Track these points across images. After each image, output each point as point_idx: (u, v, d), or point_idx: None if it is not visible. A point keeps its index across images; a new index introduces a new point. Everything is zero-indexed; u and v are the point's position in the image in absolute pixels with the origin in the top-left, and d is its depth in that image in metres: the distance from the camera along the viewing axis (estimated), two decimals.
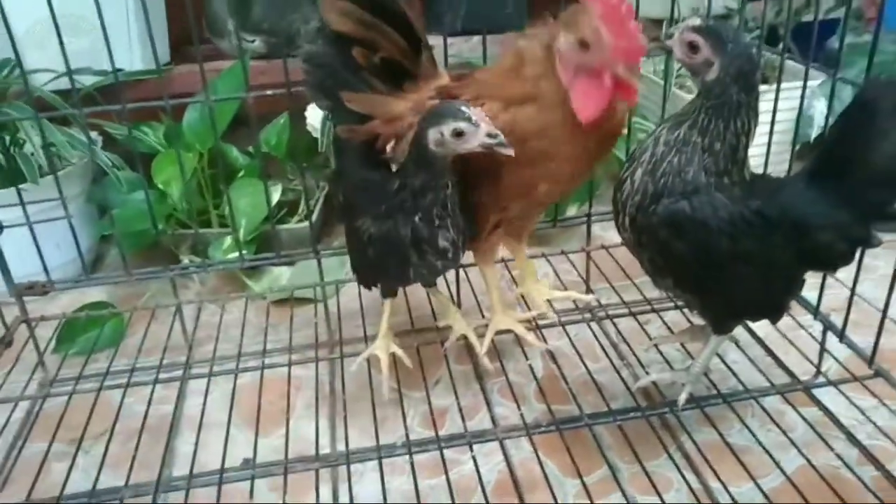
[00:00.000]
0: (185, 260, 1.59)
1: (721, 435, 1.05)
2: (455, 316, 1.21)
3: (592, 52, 0.89)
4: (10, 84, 1.51)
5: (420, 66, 1.03)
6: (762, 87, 0.91)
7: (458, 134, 0.89)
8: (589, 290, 1.42)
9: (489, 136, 0.89)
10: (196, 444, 1.09)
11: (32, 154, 1.46)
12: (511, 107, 0.97)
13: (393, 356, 1.17)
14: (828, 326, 1.17)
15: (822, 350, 1.18)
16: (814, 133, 1.64)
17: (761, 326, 1.23)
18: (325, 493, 1.03)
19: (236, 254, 1.42)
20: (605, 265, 1.42)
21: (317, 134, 1.67)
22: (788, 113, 1.25)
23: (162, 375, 1.25)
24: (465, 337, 1.20)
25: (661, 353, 1.24)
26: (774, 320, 1.04)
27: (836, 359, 1.18)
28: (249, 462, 1.08)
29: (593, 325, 1.34)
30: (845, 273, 1.01)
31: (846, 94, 1.14)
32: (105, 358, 1.32)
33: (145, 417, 1.15)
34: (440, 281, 1.24)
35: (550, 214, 1.41)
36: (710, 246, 0.89)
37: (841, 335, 1.14)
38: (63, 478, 1.05)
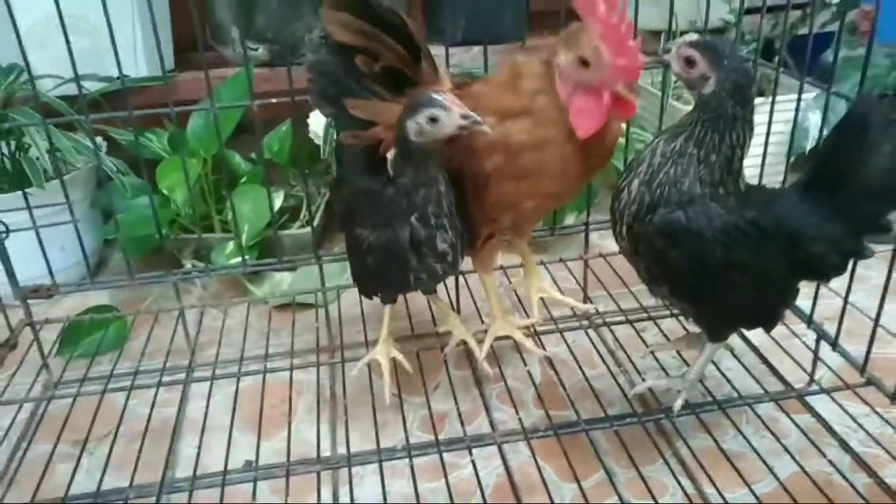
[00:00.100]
0: (188, 265, 1.60)
1: (716, 441, 1.07)
2: (455, 322, 1.23)
3: (592, 69, 0.90)
4: (16, 89, 1.53)
5: (421, 73, 1.05)
6: (758, 100, 0.93)
7: (434, 120, 0.92)
8: (587, 298, 1.43)
9: (463, 117, 0.91)
10: (199, 446, 1.11)
11: (38, 158, 1.48)
12: (506, 120, 0.98)
13: (393, 361, 1.18)
14: (821, 335, 1.19)
15: (816, 358, 1.20)
16: (809, 145, 1.67)
17: (756, 335, 1.25)
18: (326, 495, 1.04)
19: (239, 259, 1.44)
20: (602, 273, 1.44)
21: (319, 141, 1.69)
22: (784, 125, 1.28)
23: (165, 379, 1.27)
24: (464, 343, 1.22)
25: (657, 360, 1.26)
26: (769, 329, 1.06)
27: (829, 367, 1.19)
28: (251, 464, 1.10)
29: (591, 332, 1.35)
30: (839, 283, 1.03)
31: (841, 107, 1.16)
32: (108, 361, 1.34)
33: (149, 420, 1.16)
34: (440, 287, 1.26)
35: (549, 223, 1.43)
36: (705, 255, 0.91)
37: (834, 344, 1.16)
38: (67, 479, 1.06)
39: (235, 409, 1.19)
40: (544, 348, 1.27)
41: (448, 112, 0.91)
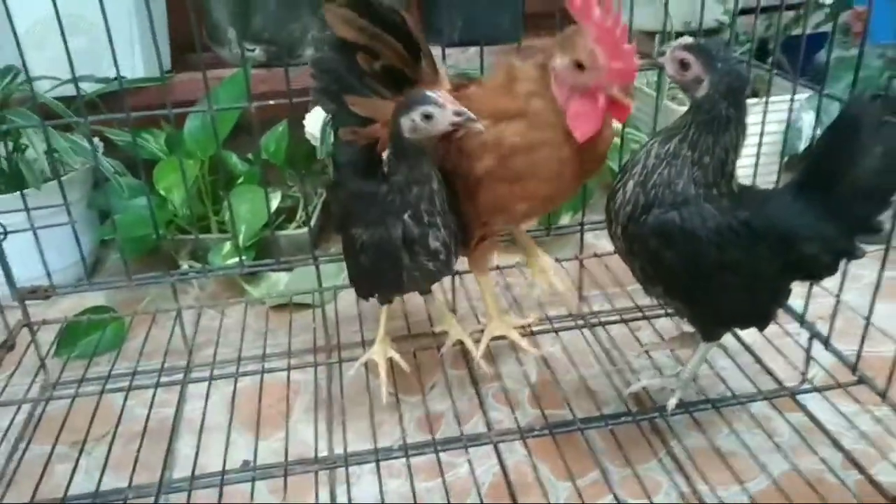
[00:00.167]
0: (185, 265, 1.61)
1: (709, 439, 1.08)
2: (451, 322, 1.24)
3: (588, 73, 0.91)
4: (12, 91, 1.53)
5: (420, 72, 1.06)
6: (752, 100, 0.94)
7: (427, 117, 0.92)
8: (582, 298, 1.44)
9: (457, 114, 0.92)
10: (197, 446, 1.11)
11: (35, 160, 1.48)
12: (500, 122, 0.98)
13: (390, 361, 1.19)
14: (814, 334, 1.21)
15: (808, 357, 1.21)
16: (802, 145, 1.68)
17: (749, 334, 1.26)
18: (324, 495, 1.05)
19: (236, 259, 1.45)
20: (597, 273, 1.45)
21: (315, 141, 1.70)
22: (778, 125, 1.29)
23: (163, 379, 1.27)
24: (460, 342, 1.23)
25: (651, 360, 1.27)
26: (762, 328, 1.07)
27: (821, 366, 1.20)
28: (249, 464, 1.11)
29: (586, 331, 1.36)
30: (831, 282, 1.04)
31: (834, 108, 1.17)
32: (105, 362, 1.34)
33: (147, 420, 1.17)
34: (436, 287, 1.26)
35: (544, 223, 1.44)
36: (699, 255, 0.92)
37: (826, 343, 1.17)
38: (65, 479, 1.07)
39: (233, 409, 1.20)
40: (540, 348, 1.28)
41: (442, 109, 0.92)
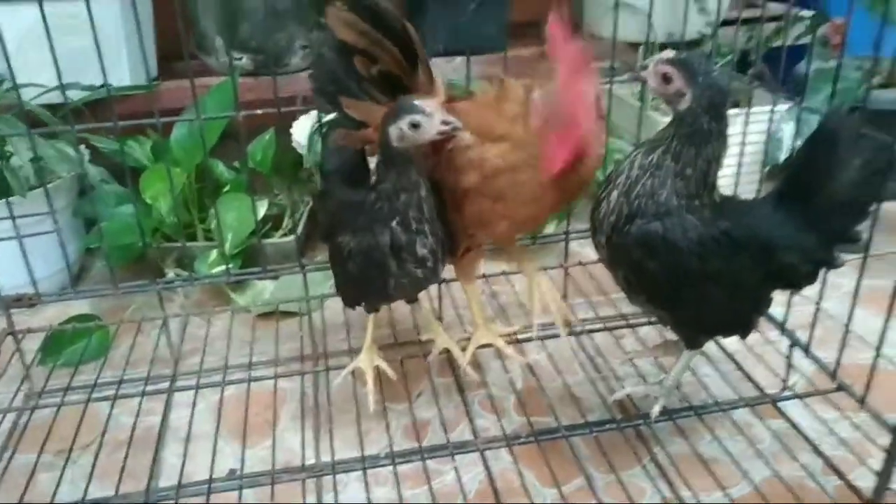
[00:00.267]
0: (171, 273, 1.61)
1: (692, 446, 1.10)
2: (438, 330, 1.25)
3: (558, 112, 0.92)
4: None
5: (416, 81, 1.07)
6: (733, 111, 0.95)
7: (415, 125, 0.94)
8: (567, 306, 1.45)
9: (444, 123, 0.93)
10: (184, 455, 1.12)
11: (21, 167, 1.48)
12: (485, 141, 0.99)
13: (377, 369, 1.20)
14: (794, 342, 1.22)
15: (789, 365, 1.23)
16: (783, 155, 1.70)
17: (731, 342, 1.28)
18: (311, 502, 1.05)
19: (222, 267, 1.45)
20: (582, 281, 1.46)
21: (302, 150, 1.71)
22: (759, 136, 1.31)
23: (149, 387, 1.27)
24: (447, 350, 1.24)
25: (635, 367, 1.28)
26: (743, 336, 1.09)
27: (801, 373, 1.22)
28: (235, 472, 1.11)
29: (571, 339, 1.37)
30: (812, 290, 1.05)
31: (814, 118, 1.19)
32: (91, 370, 1.33)
33: (133, 429, 1.17)
34: (423, 295, 1.27)
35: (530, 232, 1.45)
36: (681, 265, 0.93)
37: (806, 351, 1.19)
38: (51, 488, 1.07)
39: (220, 417, 1.20)
40: (525, 356, 1.29)
41: (429, 118, 0.93)
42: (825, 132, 0.93)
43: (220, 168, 1.74)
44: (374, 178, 1.03)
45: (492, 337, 1.23)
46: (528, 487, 1.06)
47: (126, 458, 1.11)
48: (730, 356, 1.30)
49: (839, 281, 1.16)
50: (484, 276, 1.45)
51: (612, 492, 1.06)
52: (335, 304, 1.44)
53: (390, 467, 1.09)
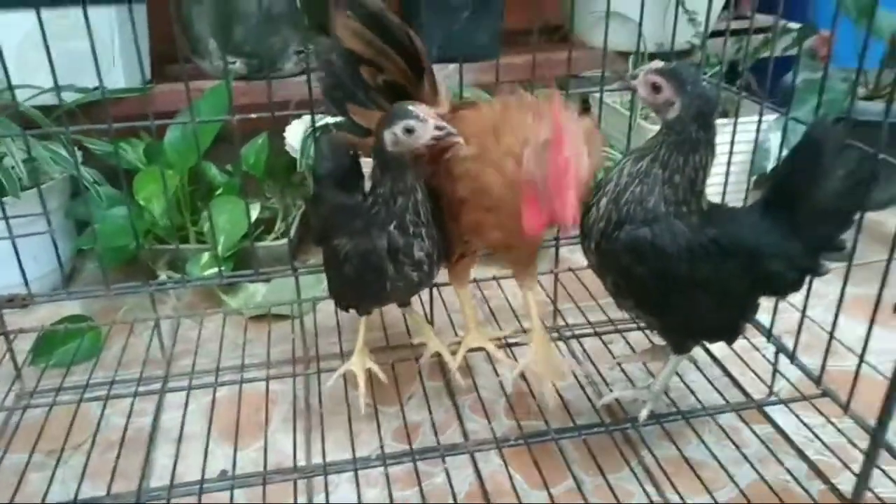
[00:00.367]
0: (163, 275, 1.61)
1: (679, 450, 1.11)
2: (429, 333, 1.26)
3: (543, 179, 0.90)
4: None
5: (421, 91, 1.09)
6: (722, 121, 0.97)
7: (409, 131, 0.95)
8: (556, 311, 1.47)
9: (438, 128, 0.95)
10: (175, 456, 1.12)
11: (13, 167, 1.48)
12: (479, 161, 0.99)
13: (369, 372, 1.20)
14: (780, 349, 1.24)
15: (775, 371, 1.25)
16: (770, 165, 1.73)
17: (718, 348, 1.29)
18: (302, 503, 1.06)
19: (214, 270, 1.45)
20: (571, 287, 1.48)
21: (295, 154, 1.71)
22: (746, 145, 1.33)
23: (141, 389, 1.27)
24: (438, 354, 1.25)
25: (624, 372, 1.30)
26: (730, 342, 1.11)
27: (787, 379, 1.24)
28: (227, 473, 1.11)
29: (560, 343, 1.39)
30: (797, 298, 1.07)
31: (801, 129, 1.21)
32: (82, 371, 1.34)
33: (125, 430, 1.17)
34: (415, 300, 1.28)
35: None
36: (669, 271, 0.95)
37: (792, 357, 1.20)
38: (42, 488, 1.07)
39: (211, 419, 1.21)
40: (516, 359, 1.30)
41: (423, 123, 0.95)
42: (810, 142, 0.95)
43: (213, 171, 1.74)
44: (370, 183, 1.04)
45: (483, 340, 1.24)
46: (517, 489, 1.07)
47: (117, 458, 1.11)
48: (717, 362, 1.32)
49: (824, 289, 1.18)
50: (475, 280, 1.46)
51: (601, 494, 1.07)
52: (327, 308, 1.45)
53: (381, 468, 1.10)
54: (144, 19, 1.82)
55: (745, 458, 1.09)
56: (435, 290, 1.42)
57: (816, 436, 1.12)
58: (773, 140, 1.69)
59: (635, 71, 0.95)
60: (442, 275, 1.18)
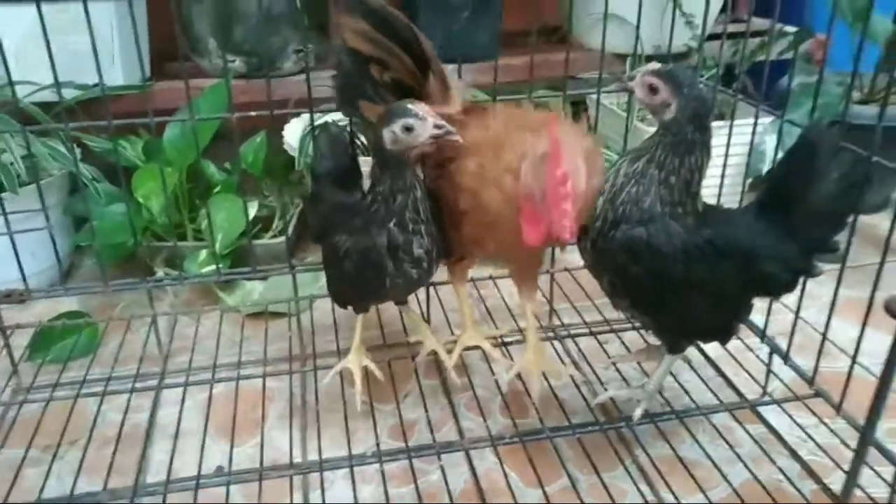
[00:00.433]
0: (160, 272, 1.61)
1: (673, 449, 1.12)
2: (426, 332, 1.27)
3: (540, 192, 0.90)
4: None
5: (428, 89, 1.10)
6: (718, 123, 0.98)
7: (408, 129, 0.96)
8: (552, 310, 1.48)
9: (437, 127, 0.95)
10: (172, 452, 1.12)
11: (12, 164, 1.48)
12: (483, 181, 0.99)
13: (365, 370, 1.21)
14: (774, 349, 1.25)
15: (768, 371, 1.26)
16: (765, 167, 1.74)
17: (712, 348, 1.30)
18: (298, 499, 1.06)
19: (212, 267, 1.45)
20: (567, 287, 1.49)
21: (293, 152, 1.72)
22: (742, 147, 1.34)
23: (137, 385, 1.28)
24: (434, 352, 1.25)
25: (618, 371, 1.30)
26: (724, 342, 1.12)
27: (780, 380, 1.25)
28: (223, 469, 1.12)
29: (556, 343, 1.40)
30: (791, 299, 1.08)
31: (797, 132, 1.22)
32: (79, 367, 1.34)
33: (121, 426, 1.17)
34: (411, 299, 1.29)
35: None
36: (664, 271, 0.95)
37: (785, 358, 1.21)
38: (37, 484, 1.07)
39: (208, 415, 1.21)
40: (511, 358, 1.30)
41: (422, 122, 0.95)
42: (805, 145, 0.96)
43: (212, 169, 1.75)
44: (369, 182, 1.05)
45: (479, 339, 1.25)
46: (512, 487, 1.07)
47: (114, 454, 1.12)
48: (711, 362, 1.33)
49: (818, 291, 1.19)
50: (472, 280, 1.47)
51: (595, 493, 1.07)
52: (324, 306, 1.45)
53: (377, 466, 1.10)
54: (144, 16, 1.82)
55: (739, 457, 1.10)
56: (432, 289, 1.43)
57: (809, 436, 1.13)
58: (769, 142, 1.70)
59: (632, 72, 0.96)
60: (439, 274, 1.19)
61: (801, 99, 1.55)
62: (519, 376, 1.23)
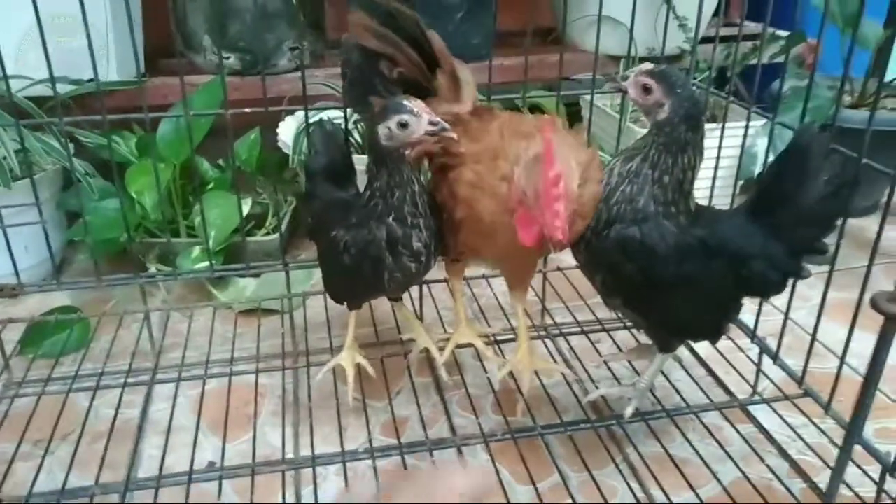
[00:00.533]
0: (153, 268, 1.61)
1: (664, 447, 1.12)
2: (418, 330, 1.27)
3: (534, 195, 0.90)
4: None
5: (435, 86, 1.10)
6: (710, 126, 0.99)
7: (403, 125, 0.96)
8: (545, 309, 1.48)
9: (431, 123, 0.96)
10: (164, 447, 1.12)
11: (5, 158, 1.48)
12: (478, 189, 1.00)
13: (358, 367, 1.21)
14: (764, 349, 1.26)
15: (758, 371, 1.27)
16: (757, 169, 1.75)
17: (703, 348, 1.32)
18: (290, 495, 1.07)
19: (205, 263, 1.45)
20: (560, 286, 1.49)
21: (287, 150, 1.72)
22: (734, 150, 1.35)
23: (129, 380, 1.28)
24: (427, 350, 1.26)
25: (610, 370, 1.31)
26: (713, 341, 1.12)
27: (770, 380, 1.26)
28: (214, 464, 1.12)
29: (548, 341, 1.40)
30: (781, 301, 1.09)
31: (788, 134, 1.23)
32: (70, 362, 1.34)
33: (113, 421, 1.17)
34: (405, 297, 1.29)
35: None
36: (657, 269, 0.96)
37: (775, 358, 1.22)
38: (27, 478, 1.07)
39: (200, 411, 1.21)
40: (504, 356, 1.31)
41: (417, 118, 0.96)
42: (797, 148, 0.96)
43: (205, 166, 1.75)
44: (367, 178, 1.05)
45: (471, 337, 1.25)
46: (503, 483, 1.08)
47: (106, 448, 1.11)
48: (702, 362, 1.34)
49: (808, 293, 1.20)
50: (465, 278, 1.47)
51: (586, 490, 1.08)
52: (317, 303, 1.46)
53: (369, 461, 1.11)
54: (139, 12, 1.82)
55: (729, 456, 1.11)
56: (425, 287, 1.43)
57: (798, 435, 1.15)
58: (760, 145, 1.71)
59: (626, 72, 0.97)
60: (432, 272, 1.19)
61: (792, 102, 1.56)
62: (511, 374, 1.23)
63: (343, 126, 1.25)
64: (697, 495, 1.04)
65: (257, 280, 1.58)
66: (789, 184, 0.96)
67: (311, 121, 1.26)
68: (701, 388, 1.25)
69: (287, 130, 1.74)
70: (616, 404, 1.21)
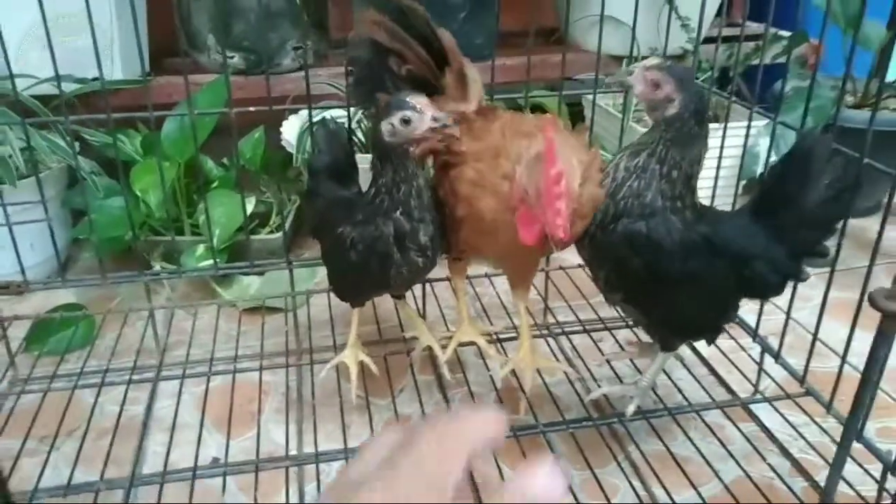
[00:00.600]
0: (157, 266, 1.62)
1: (665, 445, 1.13)
2: (421, 328, 1.27)
3: (535, 194, 0.91)
4: None
5: (443, 84, 1.10)
6: (712, 125, 1.00)
7: (406, 121, 0.96)
8: (547, 308, 1.49)
9: (434, 119, 0.96)
10: (169, 443, 1.13)
11: (10, 156, 1.49)
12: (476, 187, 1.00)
13: (361, 364, 1.22)
14: (765, 348, 1.26)
15: (760, 370, 1.27)
16: (759, 169, 1.76)
17: (705, 347, 1.32)
18: (294, 491, 1.07)
19: (209, 261, 1.46)
20: (562, 285, 1.50)
21: (291, 149, 1.73)
22: (736, 150, 1.35)
23: (134, 377, 1.28)
24: (430, 348, 1.26)
25: (612, 369, 1.31)
26: (711, 340, 1.12)
27: (772, 378, 1.26)
28: (218, 461, 1.13)
29: (550, 340, 1.41)
30: (783, 300, 1.09)
31: (790, 135, 1.24)
32: (76, 359, 1.35)
33: (118, 417, 1.18)
34: (408, 295, 1.30)
35: None
36: (662, 264, 0.96)
37: (777, 357, 1.23)
38: (33, 473, 1.07)
39: (204, 408, 1.22)
40: (506, 355, 1.32)
41: (420, 114, 0.96)
42: (802, 150, 0.97)
43: (210, 164, 1.76)
44: (371, 175, 1.06)
45: (474, 335, 1.26)
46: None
47: (111, 445, 1.12)
48: (703, 360, 1.34)
49: (809, 292, 1.20)
50: (467, 277, 1.48)
51: (588, 488, 1.09)
52: (320, 301, 1.46)
53: None
54: (144, 11, 1.83)
55: (730, 454, 1.11)
56: (428, 285, 1.44)
57: (800, 434, 1.15)
58: (763, 145, 1.72)
59: (630, 67, 0.97)
60: (435, 270, 1.20)
61: (794, 102, 1.56)
62: (513, 373, 1.24)
63: (346, 125, 1.26)
64: (699, 493, 1.05)
65: (261, 278, 1.59)
66: (792, 186, 0.96)
67: (314, 120, 1.27)
68: (703, 387, 1.25)
69: (291, 129, 1.74)
70: (618, 403, 1.21)
